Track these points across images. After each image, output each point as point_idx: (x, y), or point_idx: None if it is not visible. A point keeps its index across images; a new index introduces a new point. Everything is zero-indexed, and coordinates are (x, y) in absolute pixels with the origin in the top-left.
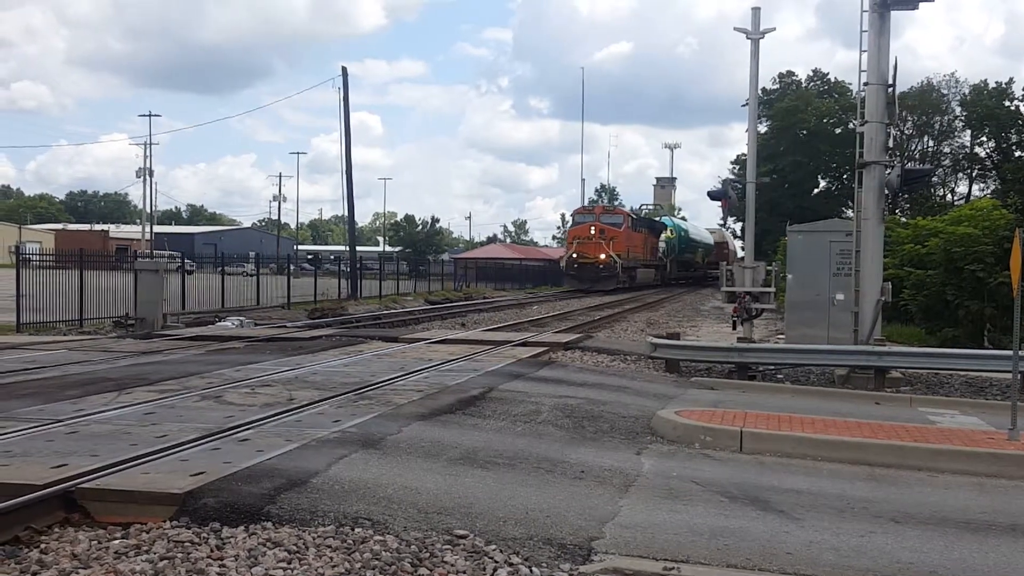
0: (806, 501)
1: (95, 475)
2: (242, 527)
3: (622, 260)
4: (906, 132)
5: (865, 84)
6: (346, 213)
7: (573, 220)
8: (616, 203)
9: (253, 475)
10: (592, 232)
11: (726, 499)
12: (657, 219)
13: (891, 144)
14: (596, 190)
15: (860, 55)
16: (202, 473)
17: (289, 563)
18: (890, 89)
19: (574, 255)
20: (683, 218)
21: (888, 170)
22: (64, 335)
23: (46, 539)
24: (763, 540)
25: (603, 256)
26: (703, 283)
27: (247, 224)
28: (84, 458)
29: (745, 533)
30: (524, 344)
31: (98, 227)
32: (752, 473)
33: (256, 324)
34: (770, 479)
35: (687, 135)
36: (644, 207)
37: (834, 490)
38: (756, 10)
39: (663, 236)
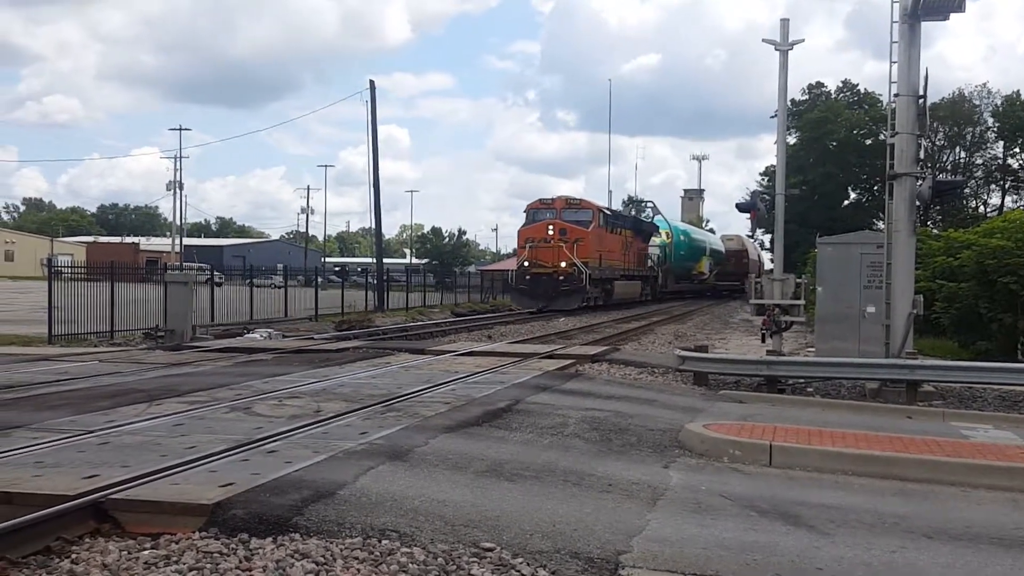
0: (837, 516)
1: (125, 486)
2: (270, 538)
3: (591, 269)
4: (937, 143)
5: (896, 95)
6: (373, 225)
7: (526, 218)
8: (650, 207)
9: (281, 487)
10: (550, 232)
11: (755, 513)
12: (646, 218)
13: (922, 155)
14: (623, 201)
15: (890, 66)
16: (231, 484)
17: (317, 575)
18: (921, 100)
19: (525, 263)
20: (707, 224)
21: (919, 182)
22: (95, 347)
23: (77, 549)
24: (793, 555)
25: (563, 264)
26: (710, 298)
27: (275, 236)
28: (115, 469)
29: (774, 548)
30: (550, 356)
31: (129, 240)
32: (782, 487)
33: (284, 336)
34: (800, 494)
35: (715, 147)
36: (632, 203)
37: (865, 505)
38: (785, 21)
39: (655, 240)
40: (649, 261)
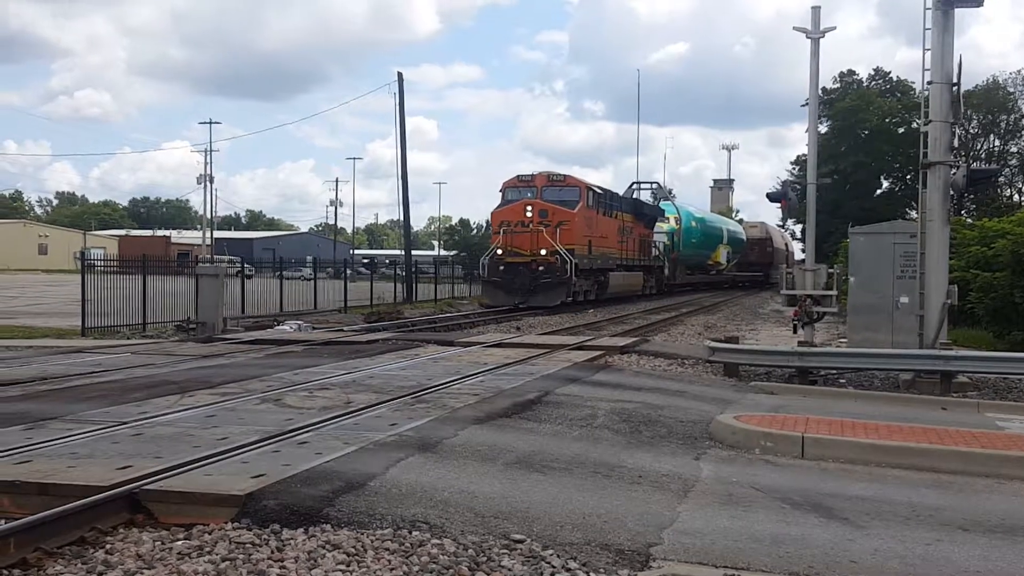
0: (870, 508)
1: (159, 477)
2: (302, 529)
3: (578, 257)
4: (971, 131)
5: (929, 83)
6: (402, 217)
7: (502, 198)
8: (652, 191)
9: (312, 478)
10: (528, 214)
11: (787, 506)
12: (652, 201)
13: (956, 144)
14: (652, 191)
15: (923, 53)
16: (262, 475)
17: (348, 565)
18: (955, 87)
19: (498, 250)
20: (736, 214)
21: (953, 170)
22: (128, 339)
23: (111, 540)
24: (826, 548)
25: (544, 251)
26: (728, 291)
27: (305, 229)
28: (148, 460)
29: (807, 540)
30: (580, 348)
31: (160, 233)
32: (814, 479)
33: (314, 328)
34: (833, 485)
35: (745, 136)
36: (636, 186)
37: (899, 497)
38: (816, 9)
39: (662, 226)
40: (655, 250)
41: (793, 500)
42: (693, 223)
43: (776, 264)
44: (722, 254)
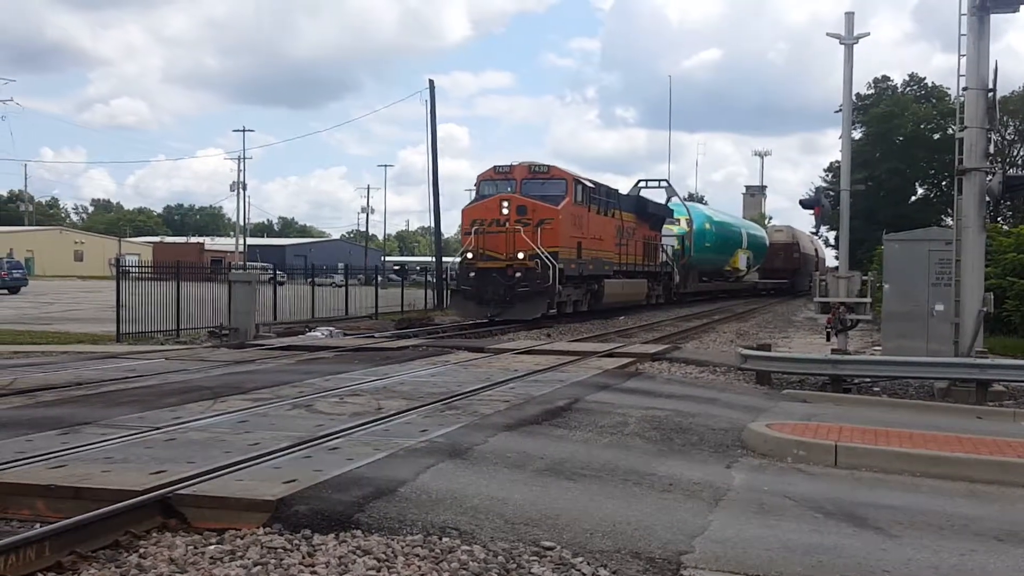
0: (904, 518)
1: (191, 481)
2: (332, 535)
3: (563, 261)
4: (1008, 137)
5: (964, 89)
6: (432, 224)
7: (477, 192)
8: (661, 190)
9: (343, 483)
10: (504, 211)
11: (820, 515)
12: (661, 201)
13: (992, 150)
14: (662, 188)
15: (959, 59)
16: (294, 481)
17: (378, 571)
18: (991, 93)
19: (468, 254)
20: (769, 220)
21: (989, 177)
22: (161, 345)
23: (145, 544)
24: (859, 557)
25: (521, 254)
26: (747, 299)
27: (336, 236)
28: (181, 465)
29: (840, 550)
30: (610, 355)
31: (194, 239)
32: (847, 488)
33: (345, 334)
34: (866, 495)
35: (778, 142)
36: (642, 184)
37: (933, 507)
38: (850, 15)
39: (671, 229)
40: (663, 255)
41: (826, 509)
42: (707, 225)
43: (804, 270)
44: (741, 259)
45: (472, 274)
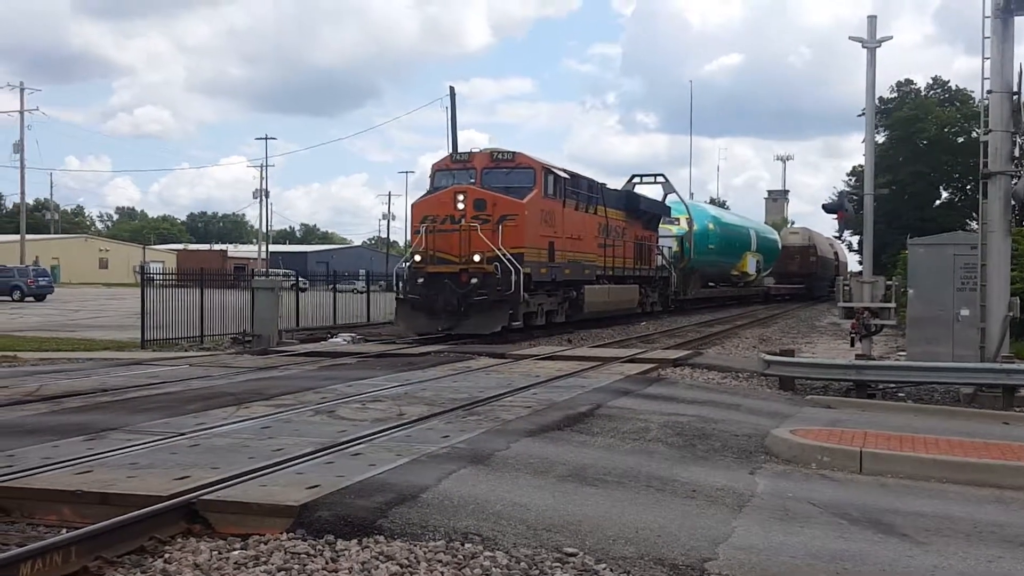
0: (931, 524)
1: (215, 487)
2: (355, 540)
3: (530, 265)
4: None
5: (988, 92)
6: None
7: (431, 184)
8: (657, 186)
9: (365, 489)
10: (459, 206)
11: (845, 521)
12: (652, 197)
13: (1017, 153)
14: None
15: (983, 62)
16: (317, 486)
17: None
18: (1016, 96)
19: (416, 256)
20: (791, 225)
21: (1014, 180)
22: (185, 351)
23: (169, 549)
24: (885, 564)
25: (478, 257)
26: (758, 305)
27: (357, 242)
28: (205, 470)
29: (866, 557)
30: (632, 360)
31: (217, 247)
32: (873, 495)
33: (366, 340)
34: (892, 501)
35: (800, 146)
36: (636, 180)
37: (960, 513)
38: (872, 18)
39: (670, 228)
40: (659, 258)
41: (851, 516)
42: (710, 225)
43: (821, 275)
44: (749, 263)
45: (421, 280)
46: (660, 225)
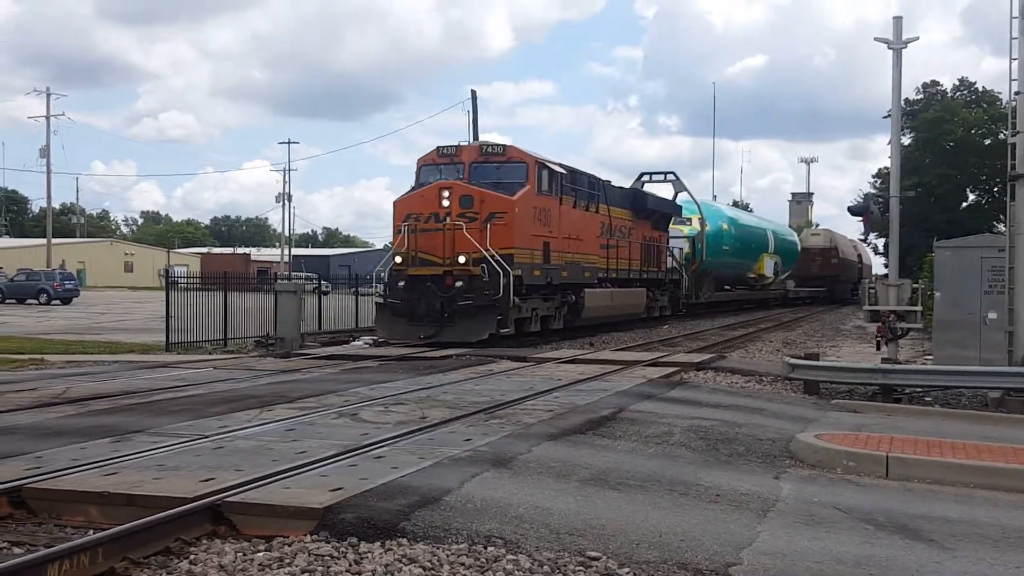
0: (958, 530)
1: (240, 489)
2: (378, 543)
3: (523, 267)
4: None
5: (1016, 93)
6: None
7: (416, 180)
8: (667, 184)
9: (388, 492)
10: (444, 203)
11: (871, 527)
12: (662, 196)
13: None
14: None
15: (1010, 63)
16: (340, 489)
17: None
18: None
19: (397, 258)
20: (814, 227)
21: None
22: (209, 354)
23: (195, 550)
24: (912, 570)
25: (463, 259)
26: (776, 309)
27: (379, 246)
28: (230, 472)
29: (892, 563)
30: (654, 364)
31: (240, 250)
32: (899, 500)
33: (388, 343)
34: (919, 507)
35: (825, 149)
36: (646, 178)
37: (988, 519)
38: (898, 19)
39: (681, 229)
40: (671, 260)
41: (877, 521)
42: (724, 225)
43: (843, 277)
44: (767, 265)
45: (402, 283)
46: (671, 225)
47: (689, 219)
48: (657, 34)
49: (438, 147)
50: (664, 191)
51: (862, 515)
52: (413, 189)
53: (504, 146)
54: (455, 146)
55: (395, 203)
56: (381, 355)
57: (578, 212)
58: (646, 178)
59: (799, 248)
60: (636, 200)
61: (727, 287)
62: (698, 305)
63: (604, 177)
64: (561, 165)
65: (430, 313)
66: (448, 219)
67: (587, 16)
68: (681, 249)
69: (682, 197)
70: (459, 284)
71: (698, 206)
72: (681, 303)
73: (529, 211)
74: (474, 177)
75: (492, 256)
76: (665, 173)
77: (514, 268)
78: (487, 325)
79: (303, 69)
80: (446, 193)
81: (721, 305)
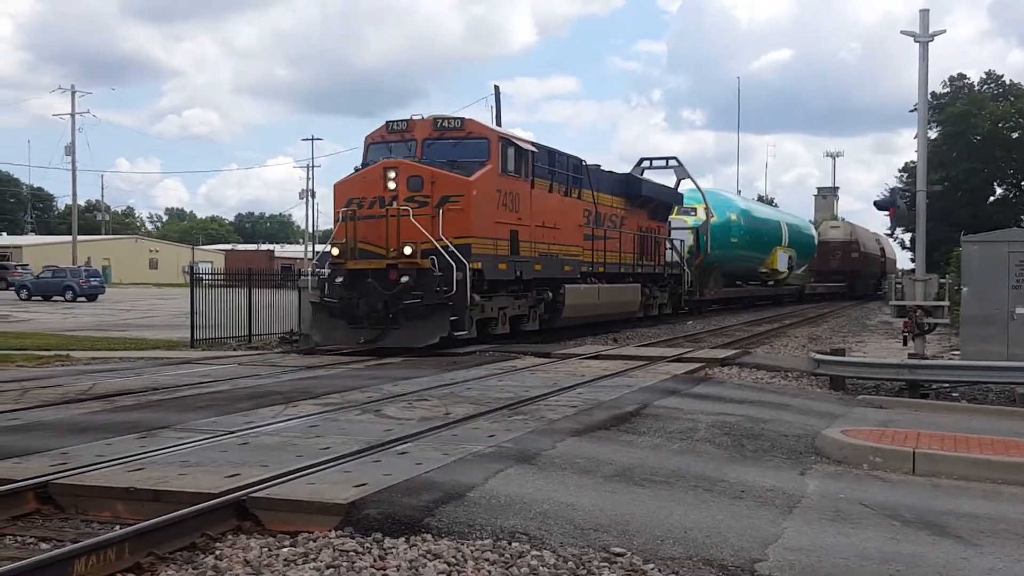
0: (985, 526)
1: (265, 485)
2: (403, 538)
3: (484, 259)
4: None
5: None
6: None
7: (363, 160)
8: (669, 170)
9: (412, 488)
10: (390, 185)
11: (898, 523)
12: (663, 183)
13: None
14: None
15: None
16: (364, 484)
17: (449, 575)
18: None
19: (335, 250)
20: (838, 218)
21: None
22: (234, 350)
23: (220, 545)
24: (938, 566)
25: (410, 249)
26: (791, 305)
27: None
28: (255, 468)
29: (919, 559)
30: (678, 360)
31: (264, 247)
32: (926, 496)
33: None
34: (946, 503)
35: (850, 143)
36: (646, 163)
37: (1016, 515)
38: (925, 12)
39: (685, 220)
40: (672, 253)
41: (904, 517)
42: (732, 216)
43: (865, 272)
44: (780, 259)
45: (340, 279)
46: (673, 216)
47: (693, 209)
48: (680, 28)
49: (387, 122)
50: (666, 178)
51: (889, 511)
52: (361, 167)
53: (462, 119)
54: (406, 120)
55: (335, 186)
56: (296, 365)
57: (555, 197)
58: (646, 163)
59: (816, 241)
60: (630, 187)
61: (738, 283)
62: (703, 302)
63: (624, 171)
64: (533, 143)
65: (371, 314)
66: (392, 203)
67: (610, 10)
68: (683, 241)
69: (685, 185)
70: (405, 279)
71: (702, 194)
72: (683, 300)
73: (491, 194)
74: (428, 155)
75: (446, 247)
76: (667, 159)
77: (472, 260)
78: (438, 327)
79: (326, 66)
80: (392, 174)
81: (729, 302)
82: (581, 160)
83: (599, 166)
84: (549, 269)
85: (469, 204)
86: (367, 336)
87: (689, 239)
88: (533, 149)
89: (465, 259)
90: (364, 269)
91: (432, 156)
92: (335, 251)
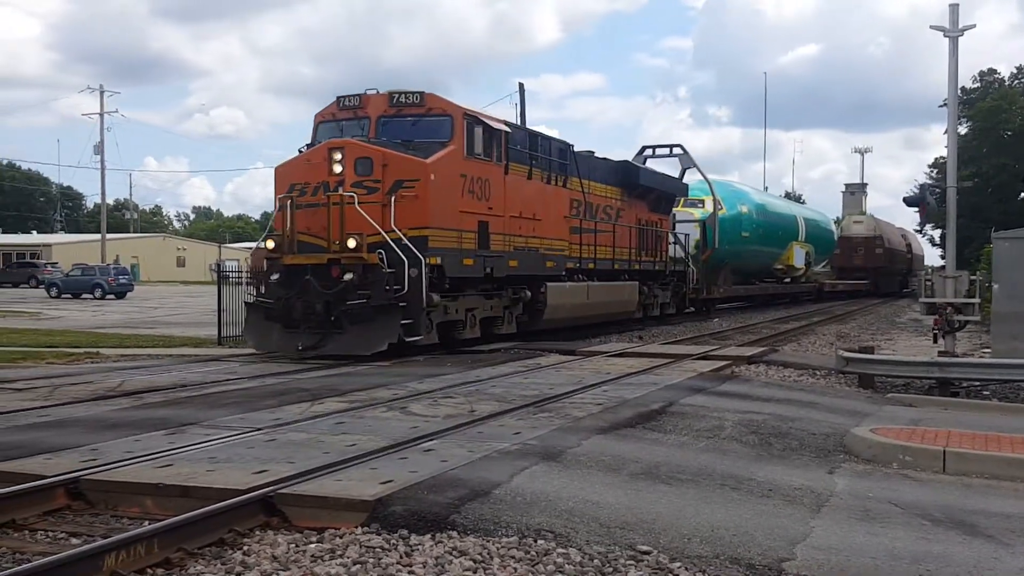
0: (1017, 526)
1: (292, 481)
2: (429, 535)
3: (445, 253)
4: None
5: None
6: None
7: (312, 139)
8: (673, 159)
9: (438, 484)
10: (336, 168)
11: (928, 522)
12: (666, 172)
13: None
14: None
15: None
16: (390, 481)
17: (475, 572)
18: None
19: (270, 243)
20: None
21: None
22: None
23: (248, 541)
24: (969, 566)
25: (354, 242)
26: (810, 304)
27: None
28: (282, 464)
29: (949, 559)
30: (704, 358)
31: None
32: (956, 495)
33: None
34: (976, 502)
35: (879, 138)
36: (650, 151)
37: None
38: (954, 6)
39: (691, 212)
40: (676, 248)
41: (934, 516)
42: (743, 208)
43: (891, 269)
44: (797, 255)
45: (277, 276)
46: (678, 208)
47: (700, 201)
48: (706, 24)
49: (338, 97)
50: (670, 167)
51: (918, 510)
52: (302, 152)
53: (422, 93)
54: (359, 95)
55: (276, 170)
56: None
57: (535, 184)
58: (649, 152)
59: (836, 236)
60: (626, 175)
61: (753, 280)
62: (711, 300)
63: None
64: (507, 123)
65: (310, 316)
66: (337, 188)
67: (636, 7)
68: (688, 236)
69: (691, 175)
70: (348, 277)
71: (710, 185)
72: (688, 299)
73: (453, 179)
74: (383, 135)
75: (396, 239)
76: (671, 146)
77: (430, 255)
78: (387, 332)
79: (351, 64)
80: (337, 155)
81: (740, 301)
82: (569, 144)
83: (592, 152)
84: (527, 265)
85: (426, 190)
86: (305, 342)
87: (695, 233)
88: (506, 129)
89: (421, 253)
90: (303, 265)
91: (388, 135)
92: (270, 244)
